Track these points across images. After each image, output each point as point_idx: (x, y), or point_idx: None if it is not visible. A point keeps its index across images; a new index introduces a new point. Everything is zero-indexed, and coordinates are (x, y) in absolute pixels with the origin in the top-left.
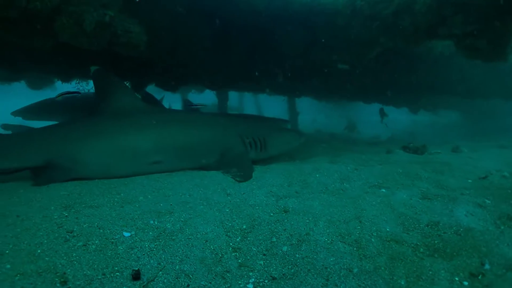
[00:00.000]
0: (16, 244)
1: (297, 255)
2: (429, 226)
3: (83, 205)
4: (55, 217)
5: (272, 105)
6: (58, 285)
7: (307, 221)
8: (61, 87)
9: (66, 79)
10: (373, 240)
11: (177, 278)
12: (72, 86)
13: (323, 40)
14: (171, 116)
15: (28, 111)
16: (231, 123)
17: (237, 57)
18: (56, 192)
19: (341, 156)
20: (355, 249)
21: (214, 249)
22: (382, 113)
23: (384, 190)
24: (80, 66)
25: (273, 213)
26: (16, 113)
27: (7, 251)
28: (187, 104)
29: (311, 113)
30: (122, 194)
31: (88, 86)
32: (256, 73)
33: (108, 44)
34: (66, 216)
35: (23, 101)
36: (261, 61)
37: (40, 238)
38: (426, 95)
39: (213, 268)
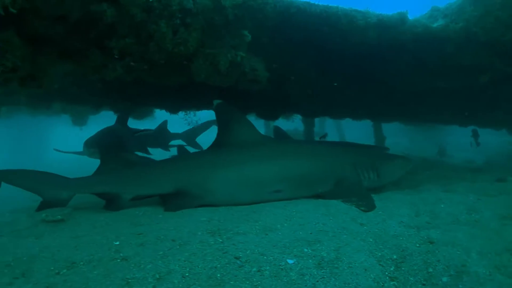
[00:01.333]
0: (192, 268)
1: (460, 286)
2: None
3: (230, 232)
4: (212, 242)
5: (353, 130)
6: None
7: (458, 252)
8: (161, 117)
9: (175, 111)
10: None
11: None
12: (179, 117)
13: (429, 67)
14: (290, 147)
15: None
16: (344, 152)
17: (340, 86)
18: (196, 218)
19: (451, 184)
20: None
21: (374, 278)
22: (476, 135)
23: None
24: (192, 99)
25: (419, 244)
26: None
27: (186, 274)
28: (276, 130)
29: (393, 137)
30: (260, 222)
31: (195, 117)
32: (356, 101)
33: (236, 81)
34: (221, 242)
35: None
36: (362, 89)
37: (211, 263)
38: None
39: None
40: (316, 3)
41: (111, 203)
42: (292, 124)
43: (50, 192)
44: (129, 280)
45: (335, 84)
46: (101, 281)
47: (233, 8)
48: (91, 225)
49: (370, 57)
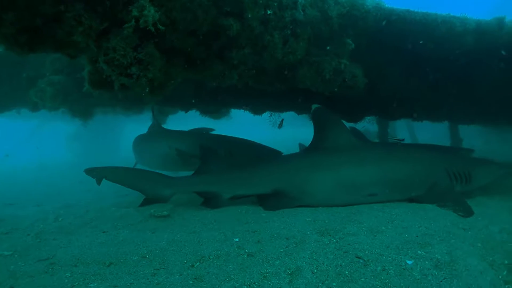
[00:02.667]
0: (318, 265)
1: None
2: None
3: (340, 233)
4: (327, 242)
5: (423, 130)
6: None
7: None
8: (237, 117)
9: (260, 112)
10: None
11: None
12: (263, 118)
13: None
14: (384, 151)
15: None
16: (437, 156)
17: (429, 89)
18: (301, 218)
19: None
20: None
21: (490, 281)
22: None
23: None
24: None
25: None
26: None
27: (315, 270)
28: (353, 132)
29: (467, 138)
30: (364, 224)
31: (279, 119)
32: (442, 104)
33: (337, 88)
34: (336, 242)
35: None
36: (452, 93)
37: (335, 261)
38: None
39: None
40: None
41: (210, 201)
42: (366, 124)
43: (153, 190)
44: (265, 274)
45: (427, 87)
46: (241, 274)
47: (338, 17)
48: (201, 222)
49: (462, 62)
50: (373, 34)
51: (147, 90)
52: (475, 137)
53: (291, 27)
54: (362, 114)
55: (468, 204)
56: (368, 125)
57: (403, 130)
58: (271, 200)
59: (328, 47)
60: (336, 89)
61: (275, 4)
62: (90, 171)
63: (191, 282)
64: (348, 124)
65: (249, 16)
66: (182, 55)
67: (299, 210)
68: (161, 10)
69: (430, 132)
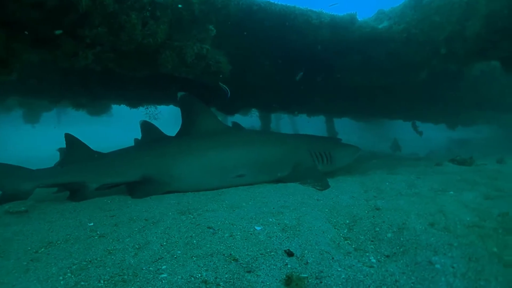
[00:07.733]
0: (168, 238)
1: (401, 239)
2: (501, 216)
3: (200, 210)
4: (184, 218)
5: (306, 127)
6: (232, 262)
7: (400, 215)
8: (118, 113)
9: (135, 105)
10: (458, 226)
11: (321, 254)
12: (140, 111)
13: (375, 64)
14: (251, 135)
15: None
16: (300, 140)
17: (295, 82)
18: (166, 202)
19: (396, 169)
20: (447, 232)
21: (331, 238)
22: (415, 126)
23: (452, 193)
24: (155, 92)
25: (368, 211)
26: None
27: (164, 243)
28: (235, 126)
29: (344, 134)
30: (226, 201)
31: (156, 111)
32: (311, 97)
33: (201, 73)
34: (194, 218)
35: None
36: (316, 84)
37: (186, 233)
38: (466, 111)
39: (339, 250)
40: (276, 2)
41: (76, 193)
42: (250, 119)
43: (10, 184)
44: (111, 251)
45: (296, 79)
46: (84, 253)
47: (200, 3)
48: (60, 213)
49: (323, 54)
50: (237, 22)
51: None
52: (351, 133)
53: (149, 8)
54: (236, 105)
55: (327, 180)
56: (255, 122)
57: (287, 126)
58: (139, 188)
59: (190, 33)
60: (201, 75)
61: None
62: None
63: (25, 263)
64: (231, 118)
65: None
66: (28, 30)
67: (167, 195)
68: None
69: (312, 128)
